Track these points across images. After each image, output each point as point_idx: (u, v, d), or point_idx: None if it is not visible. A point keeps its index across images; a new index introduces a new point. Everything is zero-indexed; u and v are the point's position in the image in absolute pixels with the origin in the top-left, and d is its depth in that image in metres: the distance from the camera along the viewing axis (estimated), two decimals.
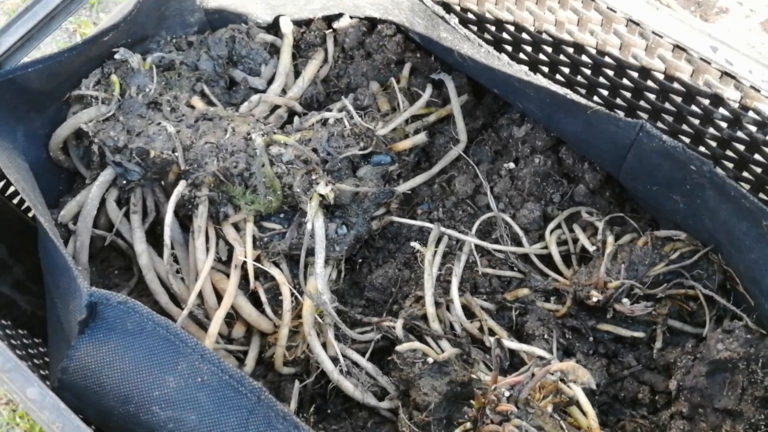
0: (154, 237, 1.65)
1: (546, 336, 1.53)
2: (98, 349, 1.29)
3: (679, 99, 1.57)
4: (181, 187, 1.53)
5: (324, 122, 1.68)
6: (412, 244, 1.67)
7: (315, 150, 1.60)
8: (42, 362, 1.59)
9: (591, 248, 1.63)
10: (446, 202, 1.75)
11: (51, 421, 1.17)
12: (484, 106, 1.88)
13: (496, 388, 1.30)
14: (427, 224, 1.67)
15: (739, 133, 1.53)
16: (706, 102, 1.52)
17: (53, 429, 1.17)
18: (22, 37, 1.53)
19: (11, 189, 1.70)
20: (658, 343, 1.56)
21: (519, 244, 1.68)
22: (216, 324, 1.47)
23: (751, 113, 1.46)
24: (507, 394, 1.30)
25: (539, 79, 1.53)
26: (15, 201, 1.72)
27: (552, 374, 1.37)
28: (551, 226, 1.69)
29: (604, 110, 1.49)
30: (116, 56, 1.65)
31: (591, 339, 1.58)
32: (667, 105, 1.61)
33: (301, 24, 1.89)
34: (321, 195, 1.53)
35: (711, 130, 1.58)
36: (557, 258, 1.66)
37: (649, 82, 1.59)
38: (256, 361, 1.55)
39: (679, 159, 1.45)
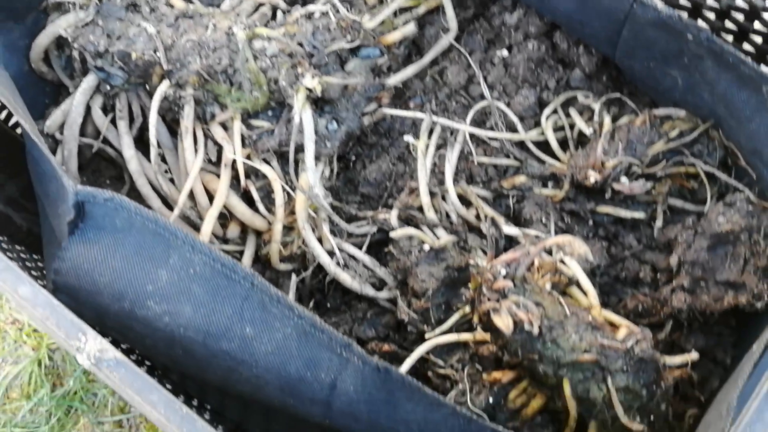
0: (143, 144, 1.62)
1: (544, 220, 1.51)
2: (89, 248, 1.28)
3: None
4: (164, 86, 1.49)
5: (309, 16, 1.63)
6: (406, 138, 1.64)
7: (300, 45, 1.56)
8: (40, 275, 1.59)
9: (588, 131, 1.59)
10: (439, 94, 1.71)
11: (45, 317, 1.16)
12: None
13: (492, 266, 1.29)
14: (419, 114, 1.63)
15: (738, 1, 1.47)
16: None
17: (48, 325, 1.16)
18: None
19: None
20: (659, 222, 1.53)
21: (515, 131, 1.64)
22: (209, 223, 1.46)
23: None
24: (503, 272, 1.28)
25: None
26: (2, 116, 1.70)
27: (549, 253, 1.35)
28: (547, 111, 1.65)
29: None
30: None
31: (590, 222, 1.56)
32: None
33: None
34: (308, 88, 1.49)
35: (709, 1, 1.52)
36: (554, 143, 1.62)
37: None
38: (252, 259, 1.54)
39: (676, 29, 1.40)
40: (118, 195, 1.25)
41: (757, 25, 1.48)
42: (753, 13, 1.47)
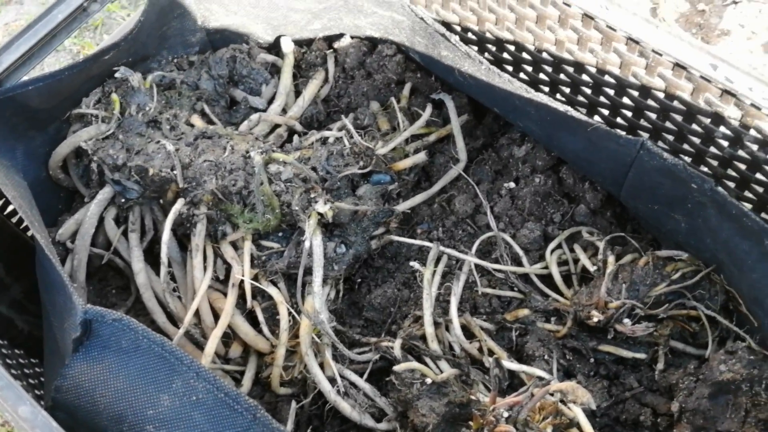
0: (153, 256, 1.64)
1: (546, 357, 1.51)
2: (92, 367, 1.28)
3: (679, 118, 1.56)
4: (178, 205, 1.52)
5: (324, 141, 1.68)
6: (412, 264, 1.66)
7: (314, 168, 1.59)
8: (38, 382, 1.57)
9: (592, 268, 1.61)
10: (446, 222, 1.74)
11: None
12: (484, 126, 1.87)
13: (494, 408, 1.28)
14: (427, 243, 1.66)
15: (741, 152, 1.52)
16: (707, 120, 1.51)
17: None
18: (23, 54, 1.53)
19: (10, 207, 1.70)
20: (660, 365, 1.54)
21: (519, 264, 1.67)
22: (212, 343, 1.46)
23: (752, 131, 1.45)
24: (506, 414, 1.28)
25: (540, 97, 1.53)
26: (14, 220, 1.72)
27: (552, 395, 1.35)
28: (552, 245, 1.68)
29: (604, 127, 1.48)
30: (116, 75, 1.66)
31: (592, 360, 1.56)
32: (668, 124, 1.60)
33: (302, 44, 1.89)
34: (319, 213, 1.52)
35: (712, 149, 1.57)
36: (558, 278, 1.64)
37: (650, 101, 1.58)
38: (252, 381, 1.53)
39: (680, 177, 1.44)
40: (127, 317, 1.26)
41: (758, 175, 1.53)
42: (755, 165, 1.51)
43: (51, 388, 1.32)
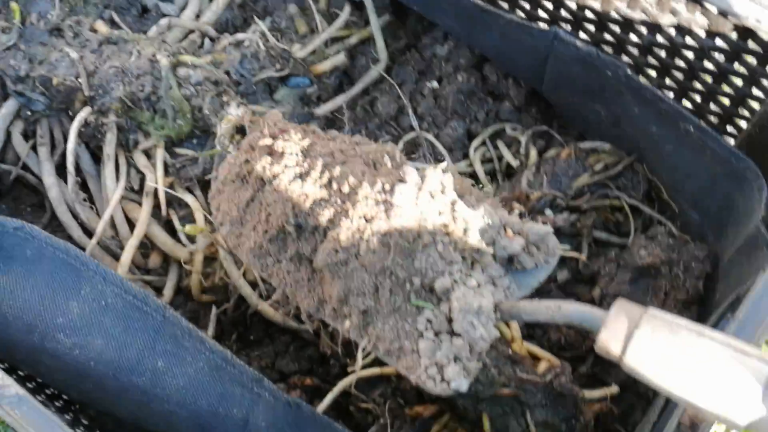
0: (65, 171, 1.59)
1: None
2: None
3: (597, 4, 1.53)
4: (83, 113, 1.46)
5: (237, 44, 1.62)
6: None
7: (228, 73, 1.54)
8: None
9: (514, 163, 1.60)
10: (369, 125, 1.71)
11: None
12: (407, 27, 1.82)
13: None
14: None
15: (659, 38, 1.50)
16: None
17: None
18: None
19: None
20: (584, 255, 1.54)
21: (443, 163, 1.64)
22: (128, 253, 1.42)
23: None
24: None
25: None
26: None
27: None
28: (475, 143, 1.65)
29: (517, 20, 1.45)
30: None
31: None
32: (587, 13, 1.57)
33: None
34: (232, 116, 1.47)
35: (632, 36, 1.55)
36: (481, 175, 1.63)
37: None
38: (174, 290, 1.50)
39: (595, 65, 1.42)
40: (29, 224, 1.22)
41: (678, 61, 1.51)
42: (673, 51, 1.49)
43: None
